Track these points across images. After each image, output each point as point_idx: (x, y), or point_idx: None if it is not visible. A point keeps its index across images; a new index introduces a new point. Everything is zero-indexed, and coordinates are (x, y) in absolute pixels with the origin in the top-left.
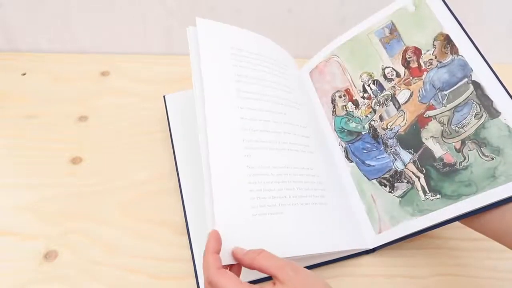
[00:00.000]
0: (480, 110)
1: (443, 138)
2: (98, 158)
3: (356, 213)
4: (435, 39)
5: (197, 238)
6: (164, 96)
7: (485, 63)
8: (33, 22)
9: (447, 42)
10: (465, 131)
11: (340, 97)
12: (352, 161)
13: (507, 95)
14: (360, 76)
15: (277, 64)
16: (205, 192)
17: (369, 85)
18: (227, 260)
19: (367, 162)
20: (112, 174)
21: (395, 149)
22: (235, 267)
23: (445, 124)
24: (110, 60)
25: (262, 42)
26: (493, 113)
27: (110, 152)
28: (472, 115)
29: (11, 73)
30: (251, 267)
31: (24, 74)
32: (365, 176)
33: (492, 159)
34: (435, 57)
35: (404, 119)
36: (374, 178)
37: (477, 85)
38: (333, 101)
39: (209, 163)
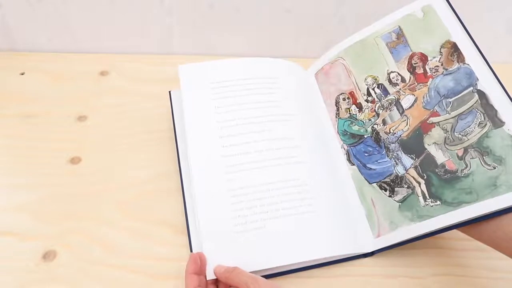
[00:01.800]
0: (484, 119)
1: (445, 145)
2: (97, 158)
3: (355, 217)
4: (442, 47)
5: (197, 238)
6: (170, 92)
7: (491, 72)
8: (32, 21)
9: (454, 50)
10: (468, 139)
11: (344, 99)
12: (353, 164)
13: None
14: (365, 79)
15: (262, 81)
16: (195, 215)
17: (373, 89)
18: (211, 275)
19: (368, 165)
20: (111, 174)
21: (397, 154)
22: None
23: (448, 131)
24: (109, 59)
25: (245, 65)
26: (497, 123)
27: (109, 152)
28: (476, 123)
29: (10, 72)
30: (228, 284)
31: (23, 74)
32: (366, 179)
33: (494, 168)
34: (441, 64)
35: (407, 124)
36: (375, 182)
37: (482, 94)
38: (337, 103)
39: (194, 189)
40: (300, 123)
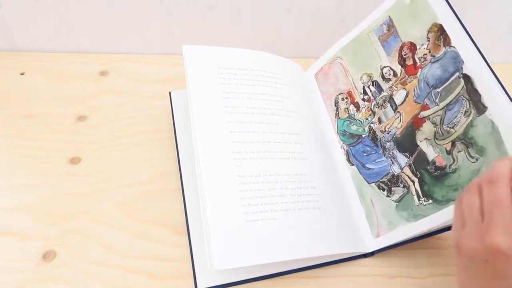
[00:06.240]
0: (470, 106)
1: (435, 140)
2: (97, 158)
3: (355, 217)
4: (429, 31)
5: (197, 238)
6: (170, 93)
7: (476, 51)
8: (32, 21)
9: (440, 33)
10: (456, 131)
11: (342, 99)
12: (353, 164)
13: (496, 85)
14: (361, 77)
15: (269, 75)
16: (200, 200)
17: (368, 87)
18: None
19: (367, 165)
20: (111, 174)
21: (393, 153)
22: None
23: (437, 125)
24: (109, 59)
25: (251, 57)
26: (480, 109)
27: (109, 152)
28: (462, 112)
29: (10, 72)
30: None
31: (23, 74)
32: (365, 179)
33: (477, 160)
34: (429, 52)
35: (400, 121)
36: (373, 182)
37: (467, 79)
38: (336, 103)
39: (201, 174)
40: (302, 122)
